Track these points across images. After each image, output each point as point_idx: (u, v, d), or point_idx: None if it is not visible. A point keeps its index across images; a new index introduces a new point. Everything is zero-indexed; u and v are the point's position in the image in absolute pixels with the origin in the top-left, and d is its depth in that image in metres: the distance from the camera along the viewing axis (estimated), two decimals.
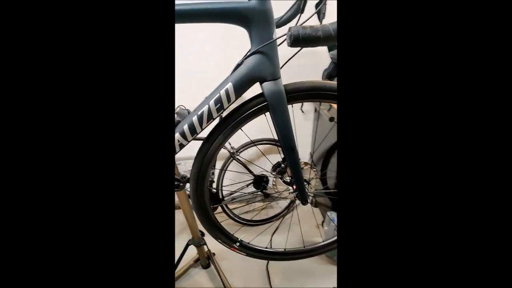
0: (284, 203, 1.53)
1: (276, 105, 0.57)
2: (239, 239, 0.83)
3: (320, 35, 0.34)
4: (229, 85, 0.55)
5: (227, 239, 0.80)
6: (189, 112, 0.61)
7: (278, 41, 0.52)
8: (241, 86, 0.56)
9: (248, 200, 1.54)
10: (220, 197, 1.42)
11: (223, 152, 1.35)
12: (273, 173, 0.75)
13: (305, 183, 0.76)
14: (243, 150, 1.41)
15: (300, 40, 0.34)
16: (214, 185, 1.35)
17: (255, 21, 0.50)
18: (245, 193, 1.41)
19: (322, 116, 1.25)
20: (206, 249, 1.28)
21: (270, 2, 0.50)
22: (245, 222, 1.48)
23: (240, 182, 1.36)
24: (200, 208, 0.72)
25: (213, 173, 1.31)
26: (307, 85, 0.59)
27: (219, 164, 1.43)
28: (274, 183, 0.83)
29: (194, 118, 0.57)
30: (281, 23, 0.65)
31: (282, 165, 0.74)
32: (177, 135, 0.59)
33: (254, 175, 1.36)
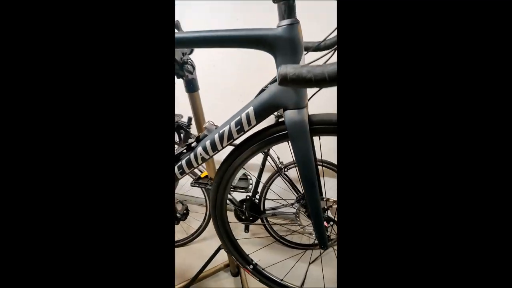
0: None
1: (295, 135, 0.54)
2: (253, 262, 0.81)
3: (311, 77, 0.30)
4: (250, 109, 0.55)
5: (241, 258, 0.80)
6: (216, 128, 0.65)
7: None
8: (261, 112, 0.55)
9: (291, 220, 1.49)
10: (262, 209, 1.42)
11: (271, 165, 1.35)
12: (296, 205, 0.71)
13: (331, 223, 0.69)
14: (293, 167, 1.37)
15: (288, 81, 0.31)
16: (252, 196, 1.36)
17: (280, 48, 0.49)
18: (287, 212, 1.37)
19: None
20: None
21: (298, 29, 0.48)
22: (279, 239, 1.44)
23: (280, 199, 1.32)
24: (217, 219, 0.75)
25: (251, 183, 1.32)
26: (335, 118, 0.53)
27: (265, 176, 1.44)
28: (297, 215, 0.78)
29: (216, 136, 0.61)
30: (325, 46, 0.60)
31: None
32: (199, 149, 0.64)
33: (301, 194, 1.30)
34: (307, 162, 0.56)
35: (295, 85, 0.31)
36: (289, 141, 0.56)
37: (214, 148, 0.62)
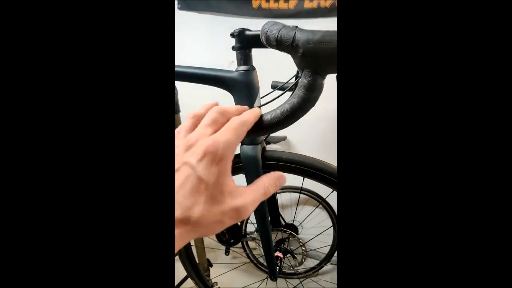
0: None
1: (248, 169, 0.62)
2: (213, 287, 0.88)
3: None
4: None
5: (201, 282, 0.87)
6: None
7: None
8: None
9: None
10: (243, 232, 1.48)
11: None
12: (254, 233, 0.78)
13: (287, 255, 0.75)
14: (281, 192, 1.44)
15: None
16: None
17: (236, 89, 0.58)
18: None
19: None
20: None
21: (254, 74, 0.57)
22: (256, 263, 1.48)
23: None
24: None
25: None
26: (287, 157, 0.61)
27: None
28: (256, 246, 0.84)
29: None
30: (284, 87, 0.69)
31: None
32: None
33: (285, 223, 1.35)
34: None
35: None
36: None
37: None
